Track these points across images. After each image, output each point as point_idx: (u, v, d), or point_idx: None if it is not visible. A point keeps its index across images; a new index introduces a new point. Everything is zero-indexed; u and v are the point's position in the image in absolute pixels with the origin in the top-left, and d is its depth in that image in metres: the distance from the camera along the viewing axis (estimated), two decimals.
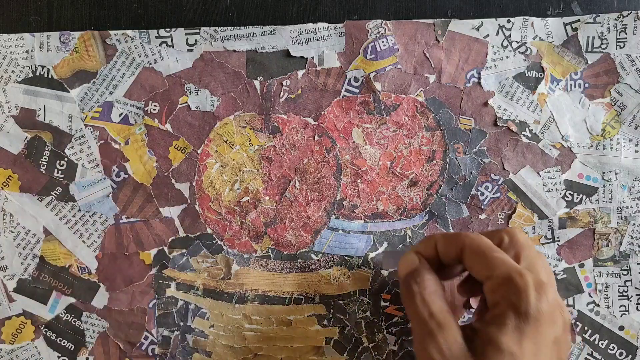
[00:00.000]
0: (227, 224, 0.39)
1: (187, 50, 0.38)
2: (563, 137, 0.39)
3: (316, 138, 0.39)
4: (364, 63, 0.39)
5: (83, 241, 0.38)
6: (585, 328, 0.39)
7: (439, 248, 0.32)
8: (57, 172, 0.38)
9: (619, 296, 0.39)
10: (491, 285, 0.29)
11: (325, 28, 0.39)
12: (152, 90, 0.39)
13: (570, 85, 0.39)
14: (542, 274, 0.29)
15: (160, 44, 0.38)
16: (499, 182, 0.39)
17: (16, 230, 0.38)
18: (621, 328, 0.39)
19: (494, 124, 0.39)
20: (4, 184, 0.38)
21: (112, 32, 0.38)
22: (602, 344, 0.39)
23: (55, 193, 0.38)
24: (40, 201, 0.38)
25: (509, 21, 0.39)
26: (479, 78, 0.39)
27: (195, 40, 0.38)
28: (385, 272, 0.39)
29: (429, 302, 0.30)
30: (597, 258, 0.39)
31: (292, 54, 0.39)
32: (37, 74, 0.38)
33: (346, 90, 0.39)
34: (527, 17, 0.39)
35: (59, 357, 0.39)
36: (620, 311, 0.39)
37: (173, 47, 0.38)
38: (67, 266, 0.38)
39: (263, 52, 0.39)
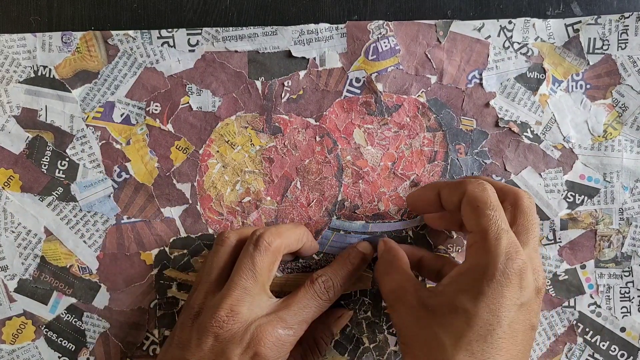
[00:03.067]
0: (228, 225, 0.39)
1: (189, 50, 0.38)
2: (564, 138, 0.39)
3: (317, 139, 0.39)
4: (365, 64, 0.39)
5: (84, 241, 0.38)
6: (587, 329, 0.39)
7: (442, 195, 0.33)
8: (59, 172, 0.38)
9: (620, 297, 0.39)
10: (470, 240, 0.30)
11: (326, 29, 0.39)
12: (154, 91, 0.39)
13: (572, 86, 0.39)
14: (531, 242, 0.30)
15: (162, 45, 0.38)
16: None
17: (17, 230, 0.38)
18: (622, 329, 0.39)
19: (496, 125, 0.39)
20: (5, 183, 0.38)
21: (114, 33, 0.38)
22: (603, 345, 0.39)
23: (56, 193, 0.38)
24: (42, 201, 0.38)
25: (510, 22, 0.39)
26: (481, 79, 0.39)
27: (197, 40, 0.38)
28: None
29: (388, 280, 0.33)
30: (598, 259, 0.39)
31: (293, 54, 0.39)
32: (39, 74, 0.38)
33: (348, 90, 0.39)
34: (528, 19, 0.39)
35: (59, 357, 0.38)
36: (621, 312, 0.39)
37: (175, 47, 0.38)
38: (68, 266, 0.38)
39: (265, 52, 0.39)
